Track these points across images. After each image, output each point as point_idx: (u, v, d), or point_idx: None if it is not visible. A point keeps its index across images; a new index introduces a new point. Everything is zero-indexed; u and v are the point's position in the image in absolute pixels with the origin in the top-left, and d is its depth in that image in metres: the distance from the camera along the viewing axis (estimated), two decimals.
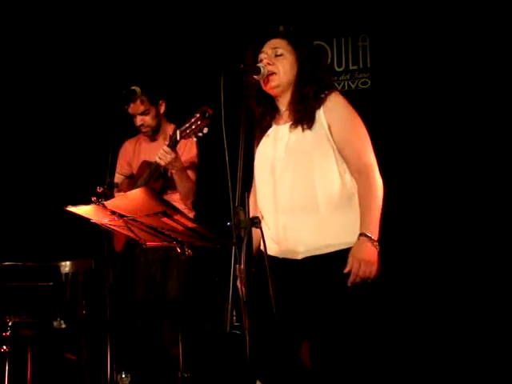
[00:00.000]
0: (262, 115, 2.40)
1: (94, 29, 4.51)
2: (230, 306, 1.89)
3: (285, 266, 2.26)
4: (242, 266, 1.91)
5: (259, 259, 2.21)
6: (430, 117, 3.66)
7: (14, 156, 4.52)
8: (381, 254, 2.14)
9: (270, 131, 2.38)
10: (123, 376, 3.26)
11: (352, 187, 2.25)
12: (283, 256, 2.28)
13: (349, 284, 2.12)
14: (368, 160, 2.22)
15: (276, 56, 2.31)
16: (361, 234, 2.13)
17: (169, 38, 4.41)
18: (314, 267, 2.20)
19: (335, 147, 2.24)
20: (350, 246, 2.16)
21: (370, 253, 2.12)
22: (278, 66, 2.30)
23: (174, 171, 3.23)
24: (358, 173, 2.22)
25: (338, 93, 2.32)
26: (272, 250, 2.27)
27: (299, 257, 2.23)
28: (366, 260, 2.10)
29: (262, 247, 2.04)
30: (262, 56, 2.33)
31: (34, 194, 4.46)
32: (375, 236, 2.13)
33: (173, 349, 3.25)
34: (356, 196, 2.24)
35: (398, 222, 3.62)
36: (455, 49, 3.61)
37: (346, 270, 2.12)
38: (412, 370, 3.43)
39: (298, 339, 2.29)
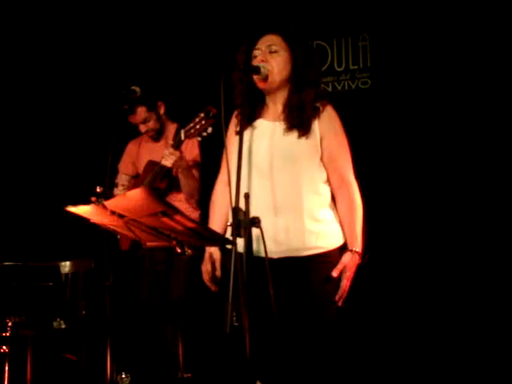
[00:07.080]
0: (250, 108, 2.35)
1: (94, 30, 4.51)
2: (230, 306, 1.88)
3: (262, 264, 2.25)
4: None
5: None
6: (430, 117, 3.66)
7: (14, 156, 4.52)
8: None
9: (258, 124, 2.35)
10: (123, 376, 3.27)
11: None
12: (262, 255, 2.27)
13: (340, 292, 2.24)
14: (352, 178, 2.32)
15: (270, 52, 2.29)
16: (351, 251, 2.26)
17: (169, 37, 4.40)
18: (290, 268, 2.23)
19: (321, 159, 2.30)
20: (327, 249, 2.26)
21: (357, 264, 2.29)
22: (271, 62, 2.28)
23: (179, 171, 3.24)
24: (340, 188, 2.31)
25: (332, 106, 2.36)
26: (255, 248, 2.26)
27: (275, 256, 2.21)
28: (354, 270, 2.28)
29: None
30: (256, 53, 2.31)
31: (34, 194, 4.46)
32: (361, 249, 2.29)
33: (173, 348, 3.26)
34: (335, 208, 2.33)
35: (396, 221, 3.63)
36: (455, 48, 3.62)
37: (336, 275, 2.23)
38: (408, 371, 3.43)
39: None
